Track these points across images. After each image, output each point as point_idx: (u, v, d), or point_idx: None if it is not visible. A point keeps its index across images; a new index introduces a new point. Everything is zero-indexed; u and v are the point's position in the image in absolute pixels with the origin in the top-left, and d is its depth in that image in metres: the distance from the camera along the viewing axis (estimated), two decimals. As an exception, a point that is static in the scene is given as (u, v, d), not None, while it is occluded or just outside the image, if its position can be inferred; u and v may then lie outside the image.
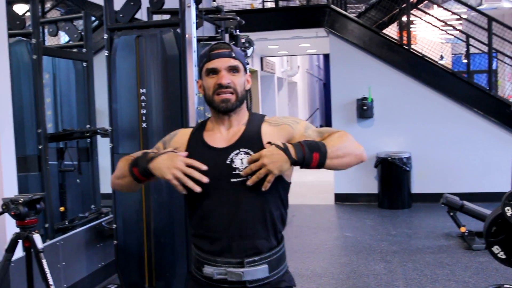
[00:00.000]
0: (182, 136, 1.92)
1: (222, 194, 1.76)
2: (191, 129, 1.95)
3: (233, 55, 1.82)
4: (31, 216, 2.28)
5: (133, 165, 1.78)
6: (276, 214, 1.81)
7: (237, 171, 1.74)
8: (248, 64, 5.54)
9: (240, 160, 1.76)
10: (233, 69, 1.81)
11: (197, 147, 1.85)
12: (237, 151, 1.78)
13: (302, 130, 1.83)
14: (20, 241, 2.31)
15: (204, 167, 1.71)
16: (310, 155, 1.66)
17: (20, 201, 2.23)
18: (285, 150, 1.65)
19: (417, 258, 5.10)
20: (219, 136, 1.85)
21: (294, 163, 1.66)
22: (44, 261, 2.24)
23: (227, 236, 1.76)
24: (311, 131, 1.84)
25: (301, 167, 1.69)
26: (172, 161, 1.69)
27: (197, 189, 1.69)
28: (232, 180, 1.75)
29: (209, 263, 1.77)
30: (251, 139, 1.80)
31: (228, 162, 1.76)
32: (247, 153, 1.77)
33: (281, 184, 1.81)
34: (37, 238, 2.27)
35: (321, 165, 1.69)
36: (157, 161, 1.71)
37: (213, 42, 5.35)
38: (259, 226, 1.77)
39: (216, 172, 1.75)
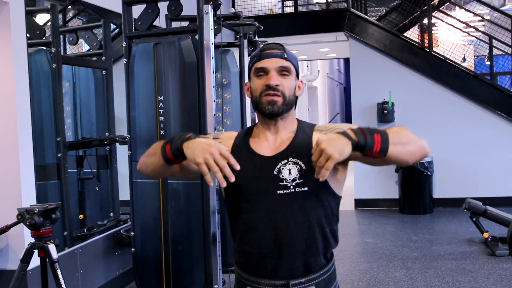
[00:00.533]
0: (227, 138, 1.81)
1: (267, 207, 1.65)
2: (236, 133, 1.84)
3: (285, 56, 1.71)
4: (46, 226, 2.29)
5: (167, 143, 1.65)
6: (327, 230, 1.69)
7: (284, 183, 1.63)
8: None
9: (288, 171, 1.64)
10: (284, 71, 1.70)
11: (242, 153, 1.72)
12: (285, 160, 1.65)
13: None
14: (36, 251, 2.32)
15: (237, 167, 1.56)
16: (372, 137, 1.50)
17: (35, 211, 2.24)
18: (344, 133, 1.51)
19: (439, 265, 5.01)
20: (266, 144, 1.73)
21: (355, 145, 1.49)
22: (59, 271, 2.24)
23: (272, 253, 1.64)
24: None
25: (363, 152, 1.51)
26: (209, 146, 1.54)
27: (224, 184, 1.54)
28: (279, 192, 1.63)
29: (252, 285, 1.68)
30: (301, 148, 1.67)
31: (275, 172, 1.65)
32: (296, 164, 1.65)
33: (332, 198, 1.69)
34: (52, 248, 2.28)
35: (384, 150, 1.51)
36: (193, 142, 1.57)
37: (231, 49, 5.38)
38: (308, 243, 1.65)
39: (262, 183, 1.66)
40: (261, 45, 5.38)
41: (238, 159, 1.63)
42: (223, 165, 1.51)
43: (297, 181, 1.63)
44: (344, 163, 1.68)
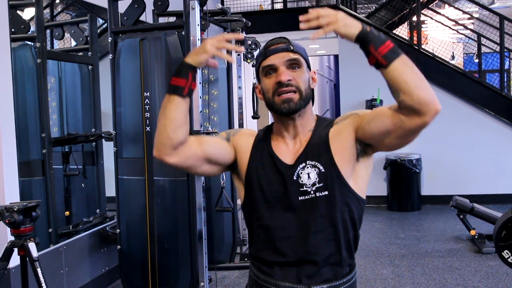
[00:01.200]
0: (246, 136, 1.73)
1: (289, 214, 1.58)
2: (255, 132, 1.76)
3: (292, 48, 1.59)
4: (26, 224, 2.25)
5: (171, 77, 1.56)
6: (351, 236, 1.62)
7: (305, 188, 1.56)
8: (254, 66, 5.49)
9: (307, 175, 1.57)
10: (294, 64, 1.59)
11: (263, 156, 1.66)
12: (303, 164, 1.58)
13: (366, 117, 1.59)
14: (16, 249, 2.29)
15: (241, 36, 1.59)
16: (380, 35, 1.40)
17: (15, 209, 2.21)
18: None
19: (426, 262, 5.03)
20: (285, 148, 1.65)
21: (363, 31, 1.40)
22: (39, 270, 2.21)
23: (294, 260, 1.58)
24: (373, 113, 1.60)
25: (368, 47, 1.40)
26: (212, 39, 1.50)
27: (230, 58, 1.55)
28: (300, 198, 1.57)
29: (269, 287, 1.61)
30: (317, 149, 1.60)
31: (295, 177, 1.58)
32: (314, 166, 1.57)
33: (356, 200, 1.60)
34: (32, 246, 2.25)
35: (392, 55, 1.40)
36: (192, 50, 1.59)
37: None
38: (331, 250, 1.58)
39: (283, 189, 1.59)
40: (249, 42, 5.33)
41: (260, 161, 1.65)
42: (228, 46, 1.50)
43: (317, 185, 1.56)
44: (365, 153, 1.62)
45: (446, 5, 9.04)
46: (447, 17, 8.35)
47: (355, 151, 1.59)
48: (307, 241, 1.56)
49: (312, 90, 1.67)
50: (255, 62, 1.66)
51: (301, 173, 1.58)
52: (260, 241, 1.64)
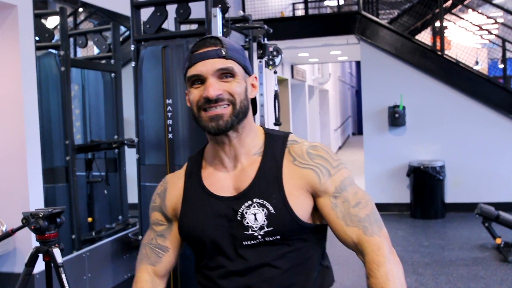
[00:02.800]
0: (174, 185, 1.49)
1: (233, 261, 1.35)
2: (184, 170, 1.50)
3: (223, 53, 1.31)
4: (51, 230, 2.27)
5: None
6: (314, 277, 1.39)
7: (250, 231, 1.31)
8: (276, 73, 5.49)
9: (254, 216, 1.31)
10: (226, 74, 1.32)
11: (196, 193, 1.41)
12: (249, 202, 1.32)
13: (331, 190, 1.32)
14: (41, 255, 2.31)
15: None
16: None
17: (40, 215, 2.23)
18: None
19: (450, 271, 4.95)
20: (224, 176, 1.39)
21: None
22: (63, 276, 2.23)
23: None
24: (340, 201, 1.32)
25: None
26: None
27: None
28: (245, 242, 1.33)
29: None
30: (268, 184, 1.33)
31: (238, 217, 1.33)
32: (262, 206, 1.31)
33: (315, 233, 1.38)
34: (57, 252, 2.26)
35: None
36: None
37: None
38: None
39: (223, 232, 1.35)
40: (270, 48, 5.29)
41: (192, 203, 1.41)
42: None
43: (266, 229, 1.31)
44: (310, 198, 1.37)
45: (470, 10, 8.95)
46: (471, 22, 8.27)
47: (310, 200, 1.37)
48: None
49: (253, 99, 1.42)
50: (182, 67, 1.40)
51: (246, 212, 1.32)
52: (205, 278, 1.46)
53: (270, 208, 1.31)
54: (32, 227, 2.24)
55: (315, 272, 1.40)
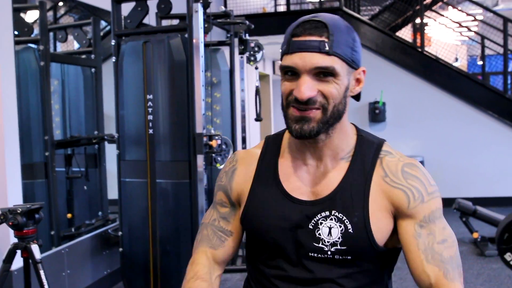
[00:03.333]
0: (245, 167, 1.30)
1: (295, 268, 1.21)
2: (259, 148, 1.32)
3: (326, 47, 1.09)
4: (30, 226, 2.26)
5: None
6: None
7: (320, 244, 1.17)
8: (257, 68, 5.49)
9: (328, 229, 1.16)
10: (324, 73, 1.12)
11: (266, 189, 1.24)
12: (327, 212, 1.17)
13: (418, 217, 1.17)
14: (19, 251, 2.30)
15: None
16: None
17: (18, 211, 2.22)
18: None
19: (429, 265, 5.01)
20: (303, 173, 1.22)
21: None
22: (42, 272, 2.22)
23: None
24: (425, 232, 1.16)
25: None
26: None
27: None
28: (311, 254, 1.19)
29: None
30: (352, 197, 1.17)
31: (310, 226, 1.18)
32: (340, 221, 1.16)
33: (387, 255, 1.23)
34: (35, 248, 2.26)
35: None
36: None
37: (221, 47, 5.35)
38: None
39: (290, 237, 1.20)
40: (252, 44, 5.32)
41: (261, 196, 1.25)
42: None
43: (338, 247, 1.17)
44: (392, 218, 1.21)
45: (450, 7, 9.04)
46: (451, 19, 8.35)
47: (392, 223, 1.22)
48: None
49: (353, 97, 1.23)
50: (281, 47, 1.20)
51: (321, 223, 1.17)
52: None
53: (349, 226, 1.16)
54: (10, 223, 2.23)
55: None
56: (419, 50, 7.77)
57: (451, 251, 1.17)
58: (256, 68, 5.41)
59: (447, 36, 9.69)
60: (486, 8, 8.61)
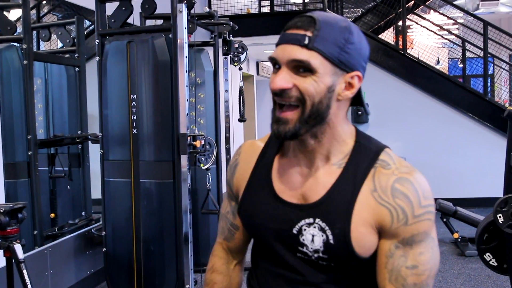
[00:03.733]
0: (246, 163, 1.30)
1: (286, 268, 1.21)
2: (262, 145, 1.31)
3: (306, 41, 1.07)
4: (12, 225, 2.26)
5: None
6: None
7: (304, 249, 1.16)
8: (241, 69, 5.52)
9: (312, 236, 1.14)
10: (304, 68, 1.08)
11: (260, 187, 1.24)
12: (311, 220, 1.15)
13: (397, 238, 1.12)
14: (1, 251, 2.29)
15: None
16: None
17: (1, 211, 2.21)
18: None
19: (410, 265, 5.07)
20: (295, 174, 1.20)
21: None
22: (25, 272, 2.21)
23: None
24: (398, 254, 1.12)
25: None
26: None
27: None
28: (299, 255, 1.19)
29: None
30: (336, 208, 1.13)
31: (294, 231, 1.17)
32: (323, 231, 1.13)
33: (373, 264, 1.18)
34: (18, 248, 2.25)
35: None
36: None
37: (205, 48, 5.36)
38: None
39: (278, 236, 1.20)
40: (236, 45, 5.34)
41: (254, 195, 1.25)
42: None
43: (320, 254, 1.15)
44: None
45: (432, 11, 9.15)
46: (432, 22, 8.46)
47: (376, 238, 1.16)
48: None
49: (356, 97, 1.19)
50: None
51: (304, 230, 1.15)
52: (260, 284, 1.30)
53: (330, 237, 1.13)
54: (-7, 223, 2.22)
55: None
56: (401, 52, 7.85)
57: (417, 278, 1.11)
58: (240, 69, 5.42)
59: (428, 39, 9.81)
60: (467, 12, 8.73)
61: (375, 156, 1.16)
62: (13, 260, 2.29)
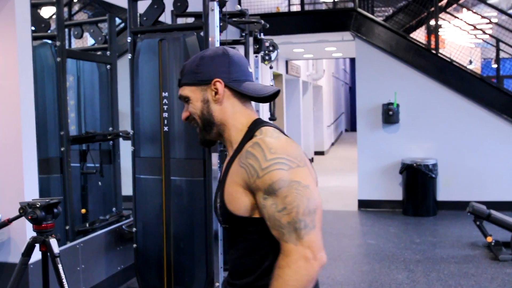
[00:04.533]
0: None
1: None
2: None
3: (180, 82, 1.52)
4: (48, 220, 2.27)
5: None
6: (266, 265, 1.42)
7: (218, 216, 1.50)
8: (272, 68, 5.50)
9: (218, 205, 1.47)
10: (184, 99, 1.51)
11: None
12: (218, 191, 1.48)
13: (260, 191, 1.34)
14: (38, 245, 2.31)
15: None
16: None
17: (38, 205, 2.23)
18: None
19: (442, 268, 4.98)
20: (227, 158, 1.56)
21: None
22: (60, 266, 2.23)
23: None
24: (269, 204, 1.34)
25: None
26: None
27: None
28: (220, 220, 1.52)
29: None
30: (222, 178, 1.47)
31: (217, 203, 1.49)
32: (219, 198, 1.45)
33: (255, 226, 1.41)
34: (53, 242, 2.26)
35: None
36: None
37: (236, 46, 5.36)
38: (246, 277, 1.45)
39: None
40: (267, 43, 5.33)
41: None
42: None
43: (220, 218, 1.48)
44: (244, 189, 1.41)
45: (465, 9, 8.98)
46: (465, 22, 8.30)
47: (249, 196, 1.40)
48: (231, 262, 1.52)
49: (218, 107, 1.47)
50: None
51: (215, 200, 1.50)
52: None
53: (218, 201, 1.45)
54: (29, 217, 2.24)
55: (266, 261, 1.42)
56: (433, 52, 7.72)
57: (288, 217, 1.31)
58: (271, 67, 5.41)
59: (461, 39, 9.63)
60: (501, 11, 8.55)
61: (252, 133, 1.45)
62: (48, 254, 2.31)
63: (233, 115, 1.48)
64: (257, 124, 1.48)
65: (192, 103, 1.48)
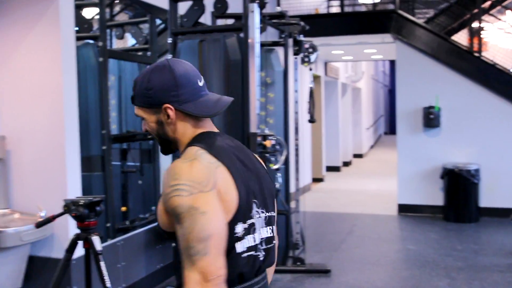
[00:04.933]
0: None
1: None
2: None
3: (132, 101, 1.55)
4: (91, 218, 2.30)
5: None
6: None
7: None
8: (311, 70, 5.46)
9: None
10: (141, 118, 1.54)
11: None
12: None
13: (169, 210, 1.39)
14: (81, 242, 2.34)
15: None
16: None
17: (81, 203, 2.26)
18: None
19: (484, 276, 4.85)
20: None
21: None
22: (102, 263, 2.25)
23: None
24: (178, 225, 1.37)
25: None
26: None
27: None
28: None
29: None
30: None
31: None
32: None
33: (173, 237, 1.46)
34: (96, 240, 2.29)
35: None
36: None
37: (275, 48, 5.34)
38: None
39: None
40: (306, 45, 5.29)
41: None
42: None
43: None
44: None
45: (508, 11, 8.75)
46: (510, 24, 8.08)
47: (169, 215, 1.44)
48: None
49: (172, 123, 1.50)
50: None
51: None
52: None
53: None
54: (73, 214, 2.27)
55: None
56: (476, 55, 7.55)
57: (185, 242, 1.34)
58: (310, 69, 5.37)
59: (505, 41, 9.38)
60: (549, 12, 8.30)
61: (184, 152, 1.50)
62: (90, 251, 2.34)
63: (184, 134, 1.52)
64: (193, 141, 1.51)
65: (147, 124, 1.53)
